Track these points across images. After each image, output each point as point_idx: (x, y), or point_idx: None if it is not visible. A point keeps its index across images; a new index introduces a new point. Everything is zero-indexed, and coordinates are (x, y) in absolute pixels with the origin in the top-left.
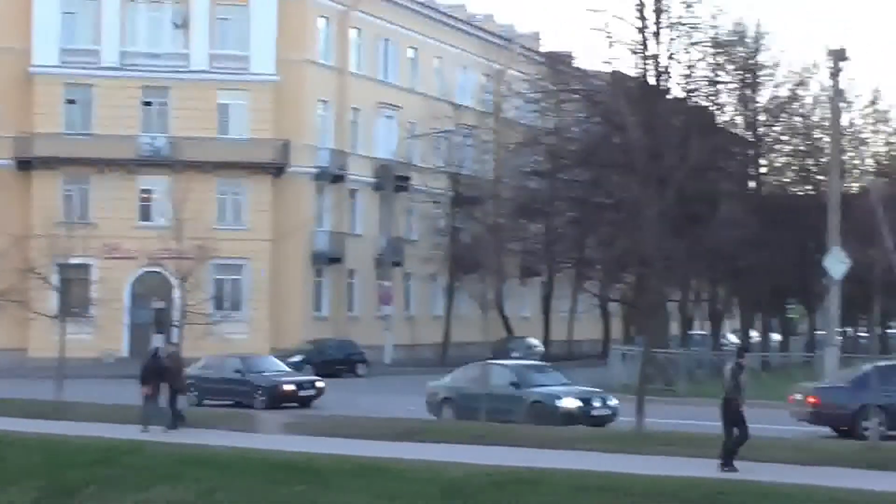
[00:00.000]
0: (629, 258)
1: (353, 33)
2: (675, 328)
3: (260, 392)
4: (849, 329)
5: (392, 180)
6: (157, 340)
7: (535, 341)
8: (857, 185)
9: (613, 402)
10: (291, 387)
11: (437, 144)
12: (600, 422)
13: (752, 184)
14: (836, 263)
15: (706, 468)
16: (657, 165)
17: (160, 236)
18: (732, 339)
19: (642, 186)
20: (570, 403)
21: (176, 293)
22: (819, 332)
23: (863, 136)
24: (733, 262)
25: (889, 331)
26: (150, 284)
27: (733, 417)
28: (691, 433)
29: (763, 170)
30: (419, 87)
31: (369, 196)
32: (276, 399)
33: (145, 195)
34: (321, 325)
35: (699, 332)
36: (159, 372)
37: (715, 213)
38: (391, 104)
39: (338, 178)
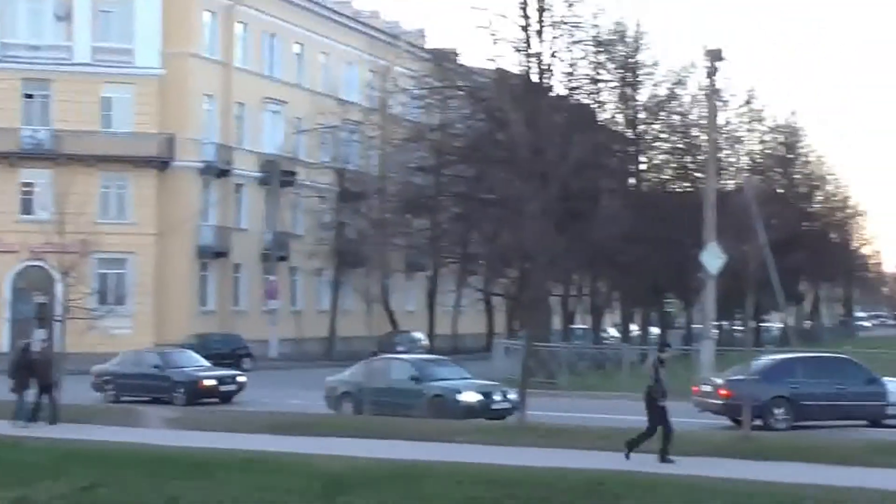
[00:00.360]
0: (512, 253)
1: (238, 28)
2: (557, 322)
3: (179, 388)
4: (724, 323)
5: (278, 175)
6: (38, 335)
7: (419, 335)
8: (732, 182)
9: (513, 395)
10: (212, 382)
11: (323, 140)
12: (500, 415)
13: (632, 180)
14: (713, 258)
15: (586, 459)
16: (540, 162)
17: (42, 230)
18: (613, 332)
19: (525, 182)
20: (470, 397)
21: (58, 287)
22: (696, 326)
23: (738, 134)
24: (614, 258)
25: (763, 324)
26: (32, 278)
27: (655, 409)
28: (572, 425)
29: (643, 167)
30: (305, 82)
31: (255, 191)
32: (196, 395)
33: (27, 188)
34: (207, 320)
35: (580, 327)
36: (28, 366)
37: (596, 209)
38: (277, 99)
39: (223, 173)
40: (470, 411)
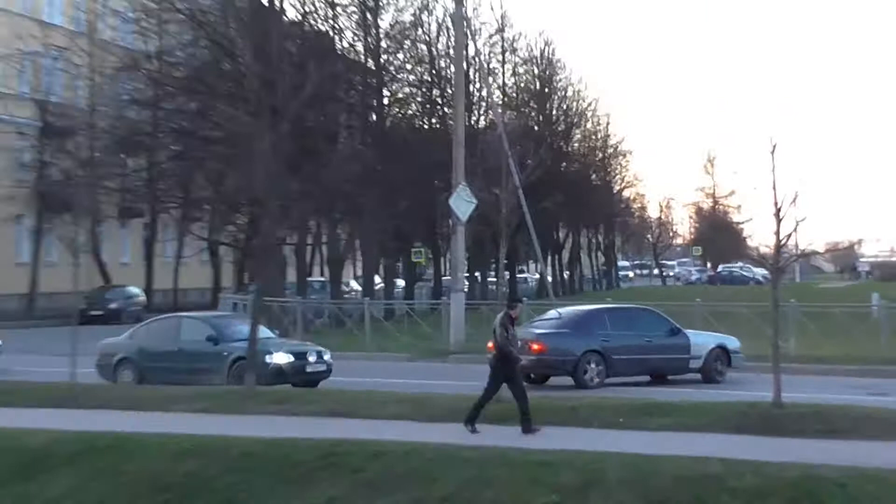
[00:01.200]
0: (240, 197)
1: None
2: (291, 274)
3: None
4: (478, 274)
5: None
6: None
7: (136, 290)
8: (484, 118)
9: (328, 356)
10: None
11: (23, 68)
12: (315, 379)
13: (373, 116)
14: (462, 203)
15: (322, 427)
16: (270, 94)
17: None
18: (355, 285)
19: (254, 118)
20: (281, 359)
21: None
22: (446, 278)
23: (491, 66)
24: (353, 201)
25: (520, 276)
26: None
27: (508, 373)
28: (304, 390)
29: (385, 101)
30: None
31: None
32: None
33: None
34: None
35: (318, 279)
36: None
37: (333, 147)
38: None
39: None
40: (280, 375)
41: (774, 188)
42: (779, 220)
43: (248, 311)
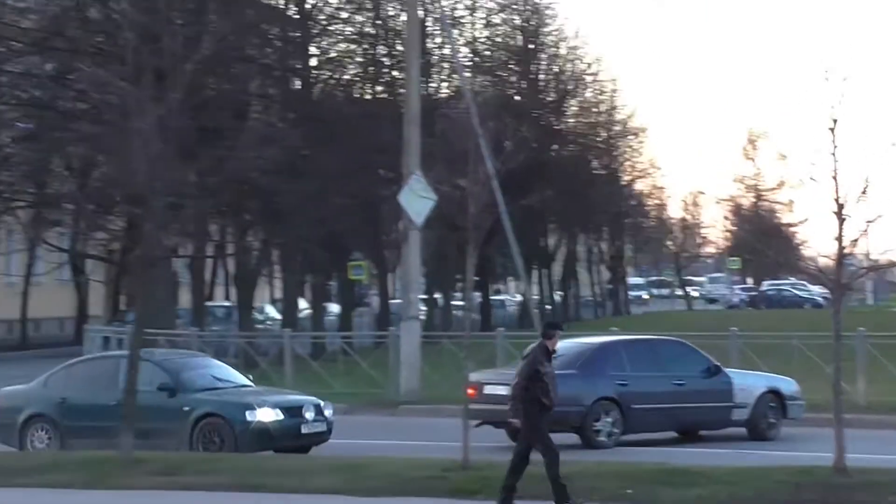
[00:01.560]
0: (114, 192)
1: None
2: (186, 298)
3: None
4: (439, 296)
5: None
6: None
7: None
8: (447, 85)
9: (329, 411)
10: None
11: None
12: (310, 443)
13: (297, 82)
14: (416, 199)
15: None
16: (154, 53)
17: None
18: (272, 312)
19: (132, 84)
20: (266, 416)
21: None
22: (395, 302)
23: (456, 14)
24: (270, 199)
25: (496, 297)
26: None
27: (527, 426)
28: (202, 455)
29: (314, 62)
30: None
31: None
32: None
33: None
34: None
35: (223, 304)
36: None
37: (243, 125)
38: None
39: None
40: (264, 438)
41: (835, 177)
42: (841, 221)
43: (126, 348)
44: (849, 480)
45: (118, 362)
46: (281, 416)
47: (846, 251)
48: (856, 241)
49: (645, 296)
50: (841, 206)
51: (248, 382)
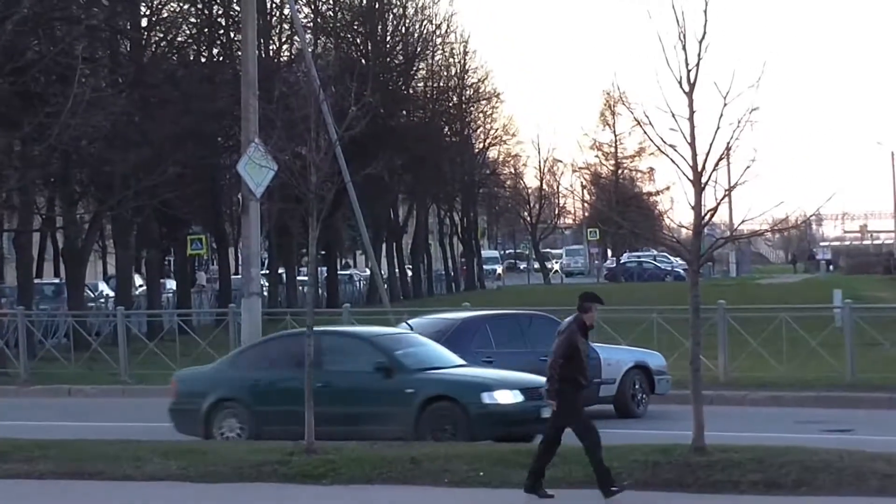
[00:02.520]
0: None
1: None
2: (11, 275)
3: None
4: (282, 271)
5: None
6: None
7: None
8: (287, 48)
9: None
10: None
11: None
12: (536, 431)
13: (127, 44)
14: (256, 169)
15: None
16: None
17: None
18: (105, 289)
19: None
20: (504, 398)
21: None
22: (236, 277)
23: None
24: (99, 169)
25: (343, 273)
26: None
27: (565, 409)
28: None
29: (144, 22)
30: None
31: None
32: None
33: None
34: None
35: (51, 282)
36: None
37: (68, 90)
38: None
39: None
40: (503, 424)
41: (693, 143)
42: (699, 189)
43: None
44: (707, 459)
45: (319, 340)
46: (520, 398)
47: (704, 220)
48: (713, 209)
49: (499, 270)
50: (699, 174)
51: (462, 362)
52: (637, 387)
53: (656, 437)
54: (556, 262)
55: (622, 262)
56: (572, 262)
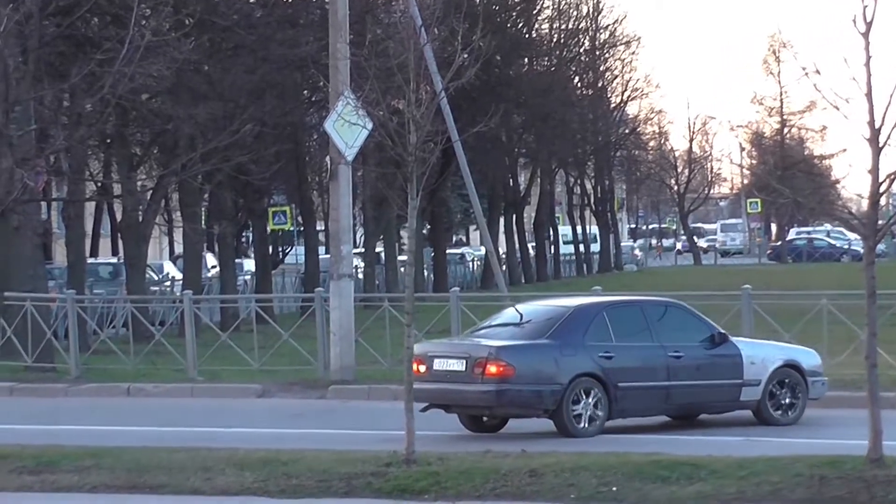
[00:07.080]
0: None
1: None
2: (61, 254)
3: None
4: (381, 249)
5: None
6: None
7: None
8: None
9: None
10: None
11: None
12: None
13: None
14: (347, 127)
15: None
16: None
17: None
18: (171, 270)
19: None
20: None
21: None
22: (325, 257)
23: None
24: (162, 127)
25: (453, 251)
26: None
27: None
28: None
29: None
30: None
31: None
32: None
33: None
34: None
35: (108, 262)
36: None
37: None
38: None
39: None
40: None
41: (869, 92)
42: (877, 148)
43: None
44: (886, 473)
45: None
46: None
47: (884, 188)
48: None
49: (637, 251)
50: (876, 132)
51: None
52: (786, 390)
53: (816, 447)
54: (706, 240)
55: (789, 238)
56: (728, 240)
